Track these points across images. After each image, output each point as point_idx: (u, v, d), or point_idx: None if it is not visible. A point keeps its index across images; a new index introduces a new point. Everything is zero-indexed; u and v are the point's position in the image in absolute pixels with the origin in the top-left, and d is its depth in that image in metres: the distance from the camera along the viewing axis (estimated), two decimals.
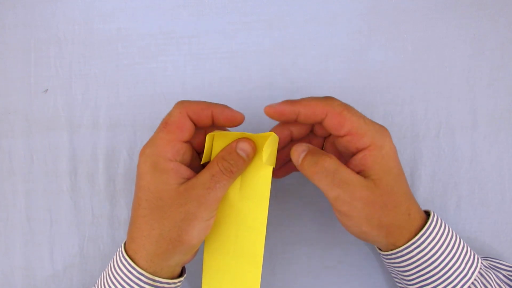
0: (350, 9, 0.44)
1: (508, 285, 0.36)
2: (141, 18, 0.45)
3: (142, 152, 0.34)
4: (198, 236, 0.34)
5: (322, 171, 0.33)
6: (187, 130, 0.34)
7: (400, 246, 0.34)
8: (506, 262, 0.38)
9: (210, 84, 0.45)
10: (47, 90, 0.45)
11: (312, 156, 0.34)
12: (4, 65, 0.46)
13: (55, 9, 0.45)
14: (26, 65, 0.45)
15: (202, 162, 0.36)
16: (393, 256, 0.35)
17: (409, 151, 0.43)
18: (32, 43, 0.45)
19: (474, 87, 0.43)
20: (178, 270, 0.36)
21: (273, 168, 0.36)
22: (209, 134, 0.35)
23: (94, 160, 0.45)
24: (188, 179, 0.34)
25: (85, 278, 0.44)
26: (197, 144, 0.37)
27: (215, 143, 0.36)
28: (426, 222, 0.35)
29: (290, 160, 0.37)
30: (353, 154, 0.35)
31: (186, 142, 0.35)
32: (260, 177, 0.35)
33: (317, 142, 0.39)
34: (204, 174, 0.34)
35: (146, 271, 0.34)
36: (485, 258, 0.39)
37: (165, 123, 0.34)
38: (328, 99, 0.35)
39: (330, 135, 0.38)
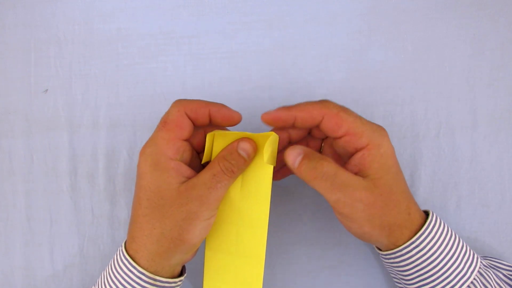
0: (350, 9, 0.44)
1: (508, 284, 0.36)
2: (141, 18, 0.45)
3: (142, 152, 0.34)
4: (200, 235, 0.34)
5: (321, 176, 0.33)
6: (186, 128, 0.34)
7: (400, 245, 0.34)
8: (506, 261, 0.38)
9: (210, 84, 0.45)
10: (47, 90, 0.45)
11: (309, 161, 0.34)
12: (4, 65, 0.46)
13: (55, 9, 0.45)
14: (26, 65, 0.45)
15: (203, 161, 0.36)
16: (392, 256, 0.35)
17: (409, 151, 0.43)
18: (32, 43, 0.45)
19: (474, 87, 0.43)
20: (178, 269, 0.36)
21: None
22: (209, 133, 0.35)
23: (94, 160, 0.45)
24: (189, 178, 0.34)
25: (85, 278, 0.44)
26: (197, 143, 0.37)
27: (216, 142, 0.36)
28: (425, 222, 0.35)
29: None
30: (352, 154, 0.35)
31: (186, 140, 0.35)
32: (261, 176, 0.35)
33: (315, 144, 0.39)
34: (206, 174, 0.34)
35: (147, 271, 0.34)
36: (484, 257, 0.39)
37: (164, 122, 0.34)
38: (323, 102, 0.35)
39: (327, 137, 0.38)
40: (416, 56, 0.44)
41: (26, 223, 0.45)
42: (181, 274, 0.37)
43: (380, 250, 0.37)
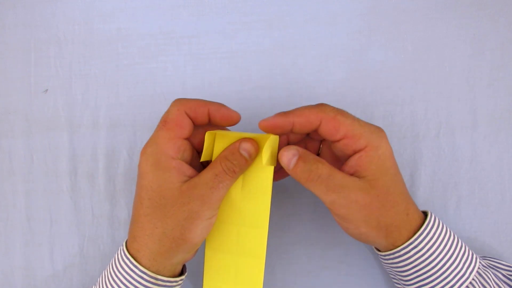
0: (350, 9, 0.44)
1: (507, 284, 0.36)
2: (141, 18, 0.45)
3: (143, 152, 0.34)
4: (201, 234, 0.34)
5: (316, 178, 0.33)
6: (186, 127, 0.34)
7: (399, 246, 0.34)
8: (505, 261, 0.38)
9: (210, 84, 0.45)
10: (47, 90, 0.45)
11: (304, 163, 0.34)
12: (4, 65, 0.46)
13: (55, 9, 0.45)
14: (26, 65, 0.45)
15: (202, 160, 0.36)
16: (391, 256, 0.35)
17: (409, 151, 0.43)
18: (32, 43, 0.45)
19: (474, 87, 0.43)
20: (179, 268, 0.37)
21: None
22: (209, 132, 0.35)
23: (94, 160, 0.45)
24: (190, 177, 0.34)
25: (85, 278, 0.44)
26: (198, 143, 0.37)
27: (217, 143, 0.36)
28: (423, 223, 0.35)
29: None
30: (350, 156, 0.35)
31: (186, 139, 0.35)
32: (261, 176, 0.35)
33: (314, 145, 0.39)
34: (207, 173, 0.34)
35: (149, 270, 0.34)
36: (484, 257, 0.39)
37: (164, 121, 0.34)
38: (320, 105, 0.35)
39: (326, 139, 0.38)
40: (416, 56, 0.44)
41: (26, 223, 0.45)
42: (181, 273, 0.37)
43: (379, 250, 0.37)
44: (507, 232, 0.43)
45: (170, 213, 0.33)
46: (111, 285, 0.35)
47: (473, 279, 0.34)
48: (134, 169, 0.44)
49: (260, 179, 0.35)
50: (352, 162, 0.34)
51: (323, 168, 0.33)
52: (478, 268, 0.35)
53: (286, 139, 0.37)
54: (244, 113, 0.44)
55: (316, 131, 0.35)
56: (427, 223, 0.35)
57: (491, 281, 0.35)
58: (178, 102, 0.35)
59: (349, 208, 0.33)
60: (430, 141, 0.43)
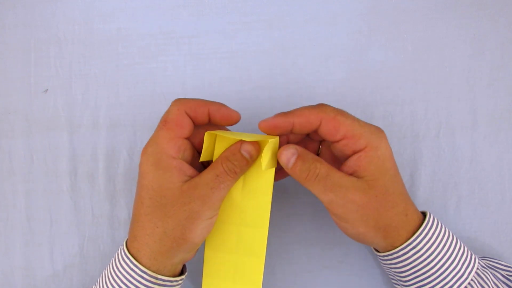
0: (350, 9, 0.44)
1: (507, 284, 0.36)
2: (141, 18, 0.45)
3: (144, 151, 0.34)
4: (202, 234, 0.34)
5: (314, 177, 0.33)
6: (187, 126, 0.34)
7: (397, 247, 0.34)
8: (505, 262, 0.38)
9: (210, 84, 0.45)
10: (47, 90, 0.45)
11: (303, 162, 0.34)
12: (4, 65, 0.46)
13: (55, 9, 0.45)
14: (26, 65, 0.45)
15: (201, 160, 0.36)
16: (389, 257, 0.35)
17: (409, 151, 0.43)
18: (32, 43, 0.45)
19: (474, 87, 0.43)
20: (179, 268, 0.37)
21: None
22: (209, 132, 0.35)
23: (94, 160, 0.45)
24: (191, 176, 0.34)
25: (85, 278, 0.44)
26: (198, 143, 0.37)
27: (217, 143, 0.36)
28: (422, 223, 0.35)
29: None
30: (349, 156, 0.35)
31: (186, 139, 0.35)
32: (262, 177, 0.35)
33: (313, 146, 0.39)
34: (208, 174, 0.34)
35: (149, 270, 0.34)
36: (483, 258, 0.39)
37: (164, 121, 0.34)
38: (320, 106, 0.35)
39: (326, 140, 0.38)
40: (416, 56, 0.44)
41: (26, 223, 0.45)
42: (181, 273, 0.37)
43: (378, 251, 0.37)
44: (507, 232, 0.43)
45: (170, 213, 0.33)
46: (111, 284, 0.35)
47: (471, 279, 0.34)
48: (134, 169, 0.44)
49: (261, 180, 0.35)
50: (351, 162, 0.34)
51: (322, 167, 0.34)
52: (477, 268, 0.35)
53: (286, 140, 0.37)
54: (244, 113, 0.44)
55: (316, 131, 0.35)
56: (425, 223, 0.35)
57: (489, 282, 0.35)
58: (178, 102, 0.35)
59: (346, 207, 0.33)
60: (430, 141, 0.43)
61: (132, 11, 0.45)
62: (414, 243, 0.34)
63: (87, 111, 0.45)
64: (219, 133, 0.35)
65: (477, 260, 0.36)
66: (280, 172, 0.39)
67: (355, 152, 0.34)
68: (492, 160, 0.43)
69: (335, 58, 0.44)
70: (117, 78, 0.45)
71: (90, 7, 0.45)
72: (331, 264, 0.43)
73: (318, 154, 0.39)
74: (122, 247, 0.36)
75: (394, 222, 0.34)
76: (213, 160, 0.36)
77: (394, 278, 0.38)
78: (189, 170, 0.35)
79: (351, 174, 0.34)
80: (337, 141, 0.35)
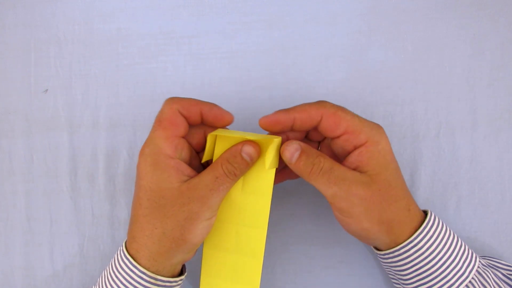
0: (350, 9, 0.44)
1: (507, 283, 0.36)
2: (141, 18, 0.45)
3: (142, 152, 0.34)
4: (201, 235, 0.34)
5: (319, 171, 0.33)
6: (181, 124, 0.34)
7: (401, 243, 0.34)
8: (505, 261, 0.38)
9: (210, 84, 0.45)
10: (47, 90, 0.45)
11: (307, 157, 0.34)
12: (4, 65, 0.46)
13: (55, 9, 0.45)
14: (26, 65, 0.45)
15: (203, 160, 0.36)
16: (390, 255, 0.35)
17: (409, 151, 0.43)
18: (32, 43, 0.45)
19: (474, 87, 0.43)
20: (178, 268, 0.37)
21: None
22: (211, 134, 0.35)
23: (94, 160, 0.45)
24: (189, 176, 0.34)
25: (85, 278, 0.44)
26: (196, 143, 0.37)
27: (218, 143, 0.36)
28: (424, 221, 0.35)
29: (285, 166, 0.37)
30: (350, 153, 0.35)
31: (183, 138, 0.35)
32: (263, 177, 0.35)
33: (312, 146, 0.39)
34: (208, 175, 0.34)
35: (148, 270, 0.34)
36: (483, 257, 0.39)
37: (159, 121, 0.34)
38: (320, 102, 0.35)
39: (325, 138, 0.38)
40: (416, 56, 0.44)
41: (26, 223, 0.45)
42: (181, 273, 0.37)
43: (378, 250, 0.37)
44: (507, 232, 0.43)
45: (169, 213, 0.33)
46: (110, 285, 0.35)
47: (472, 278, 0.34)
48: (134, 169, 0.44)
49: (262, 180, 0.35)
50: (352, 158, 0.34)
51: (325, 161, 0.34)
52: (478, 267, 0.35)
53: (286, 139, 0.37)
54: (244, 113, 0.44)
55: (315, 129, 0.35)
56: (427, 222, 0.35)
57: (490, 280, 0.35)
58: (171, 100, 0.35)
59: (349, 201, 0.33)
60: (430, 141, 0.43)
61: (132, 11, 0.45)
62: (416, 241, 0.34)
63: (87, 111, 0.45)
64: (220, 133, 0.35)
65: (478, 259, 0.36)
66: (278, 175, 0.39)
67: (356, 148, 0.34)
68: (492, 160, 0.43)
69: (335, 58, 0.44)
70: (117, 78, 0.45)
71: (90, 7, 0.45)
72: (331, 264, 0.43)
73: None
74: (121, 248, 0.36)
75: (398, 217, 0.34)
76: (213, 160, 0.36)
77: (394, 277, 0.38)
78: (187, 169, 0.34)
79: (353, 170, 0.34)
80: (338, 137, 0.35)
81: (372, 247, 0.39)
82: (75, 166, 0.45)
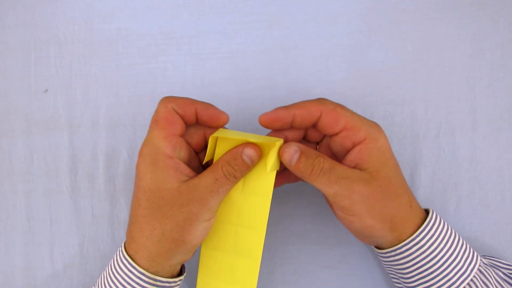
0: (350, 9, 0.44)
1: (508, 282, 0.36)
2: (141, 18, 0.45)
3: (141, 153, 0.34)
4: (200, 235, 0.34)
5: (319, 171, 0.33)
6: (178, 123, 0.34)
7: (404, 240, 0.34)
8: (505, 260, 0.38)
9: (210, 84, 0.45)
10: (47, 90, 0.45)
11: (307, 158, 0.34)
12: (4, 65, 0.46)
13: (55, 9, 0.45)
14: (26, 65, 0.45)
15: (204, 162, 0.36)
16: (392, 253, 0.35)
17: (409, 151, 0.43)
18: (32, 43, 0.45)
19: (474, 87, 0.43)
20: (178, 268, 0.37)
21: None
22: (212, 136, 0.35)
23: (94, 160, 0.45)
24: (188, 176, 0.34)
25: (85, 278, 0.44)
26: (196, 143, 0.37)
27: (219, 143, 0.35)
28: (425, 219, 0.35)
29: (284, 169, 0.37)
30: (348, 151, 0.35)
31: (181, 137, 0.35)
32: (263, 179, 0.35)
33: (310, 147, 0.39)
34: (208, 177, 0.34)
35: (147, 271, 0.34)
36: (483, 256, 0.39)
37: (155, 121, 0.34)
38: (320, 99, 0.35)
39: (322, 139, 0.38)
40: (416, 56, 0.44)
41: (26, 223, 0.45)
42: (180, 273, 0.37)
43: (379, 249, 0.37)
44: (507, 232, 0.43)
45: (168, 214, 0.33)
46: (109, 286, 0.35)
47: (474, 276, 0.34)
48: (134, 169, 0.44)
49: (262, 182, 0.35)
50: (352, 156, 0.34)
51: (325, 161, 0.34)
52: (480, 265, 0.35)
53: (285, 140, 0.37)
54: (244, 113, 0.44)
55: (314, 127, 0.36)
56: (429, 219, 0.35)
57: (492, 279, 0.35)
58: (166, 100, 0.35)
59: (352, 199, 0.33)
60: (430, 141, 0.43)
61: (132, 11, 0.45)
62: (418, 239, 0.34)
63: (87, 111, 0.45)
64: (222, 134, 0.35)
65: (479, 258, 0.36)
66: (277, 179, 0.39)
67: (355, 145, 0.34)
68: (492, 160, 0.43)
69: (335, 58, 0.44)
70: (117, 78, 0.45)
71: (90, 7, 0.45)
72: (331, 264, 0.43)
73: None
74: (120, 249, 0.36)
75: (400, 213, 0.34)
76: (214, 161, 0.36)
77: (395, 276, 0.38)
78: (186, 169, 0.34)
79: (353, 168, 0.34)
80: (337, 134, 0.35)
81: (373, 247, 0.39)
82: (75, 166, 0.45)
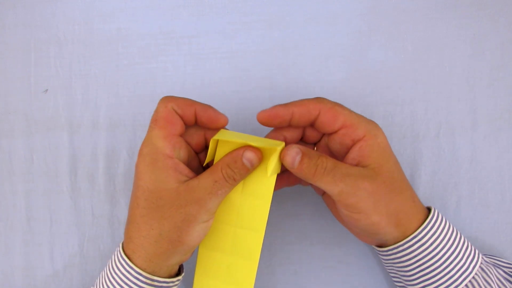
0: (350, 9, 0.44)
1: (509, 281, 0.36)
2: (141, 18, 0.45)
3: (140, 152, 0.34)
4: (198, 237, 0.34)
5: (323, 171, 0.33)
6: (177, 122, 0.34)
7: (409, 235, 0.34)
8: (506, 259, 0.38)
9: (210, 84, 0.45)
10: (47, 90, 0.45)
11: (309, 159, 0.34)
12: (4, 65, 0.46)
13: (55, 9, 0.45)
14: (26, 65, 0.45)
15: (205, 163, 0.36)
16: (394, 251, 0.35)
17: (409, 151, 0.43)
18: (32, 43, 0.45)
19: (474, 87, 0.43)
20: (176, 268, 0.37)
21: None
22: (213, 138, 0.35)
23: (94, 160, 0.45)
24: (187, 177, 0.34)
25: (85, 278, 0.44)
26: (195, 143, 0.37)
27: (220, 145, 0.35)
28: (428, 216, 0.35)
29: (284, 172, 0.37)
30: (349, 149, 0.35)
31: (180, 136, 0.35)
32: (264, 181, 0.35)
33: (309, 148, 0.39)
34: (207, 179, 0.34)
35: (145, 271, 0.34)
36: (484, 255, 0.39)
37: (155, 120, 0.34)
38: (318, 98, 0.35)
39: (320, 139, 0.38)
40: (416, 56, 0.44)
41: (26, 223, 0.45)
42: (178, 273, 0.37)
43: (381, 247, 0.37)
44: (507, 232, 0.43)
45: (166, 215, 0.33)
46: (107, 286, 0.35)
47: (476, 274, 0.34)
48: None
49: (262, 184, 0.35)
50: (353, 154, 0.34)
51: (328, 161, 0.34)
52: (481, 263, 0.35)
53: (284, 140, 0.37)
54: (244, 113, 0.44)
55: (312, 126, 0.36)
56: (431, 216, 0.35)
57: (493, 277, 0.35)
58: (165, 99, 0.35)
59: (357, 196, 0.33)
60: (430, 141, 0.43)
61: (132, 11, 0.45)
62: (421, 235, 0.34)
63: (87, 111, 0.45)
64: (223, 137, 0.34)
65: (480, 255, 0.36)
66: (276, 182, 0.39)
67: (354, 142, 0.34)
68: (492, 160, 0.43)
69: (335, 58, 0.44)
70: (117, 78, 0.45)
71: (90, 7, 0.45)
72: (331, 264, 0.43)
73: None
74: (118, 249, 0.36)
75: (404, 208, 0.34)
76: (214, 161, 0.35)
77: (396, 275, 0.38)
78: (185, 170, 0.34)
79: (355, 165, 0.34)
80: (336, 132, 0.35)
81: (373, 246, 0.38)
82: (75, 166, 0.45)
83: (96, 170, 0.45)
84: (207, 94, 0.44)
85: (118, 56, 0.45)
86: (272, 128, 0.38)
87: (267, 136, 0.37)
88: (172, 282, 0.36)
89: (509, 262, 0.38)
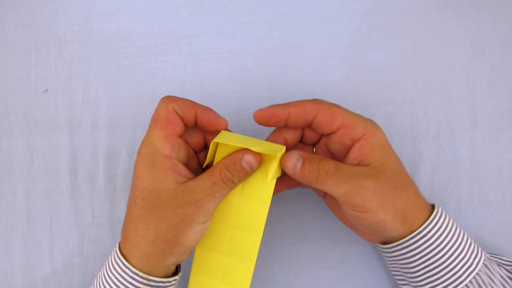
0: (350, 9, 0.44)
1: (510, 278, 0.36)
2: (141, 18, 0.45)
3: (139, 152, 0.34)
4: (195, 238, 0.34)
5: (326, 174, 0.33)
6: (177, 123, 0.34)
7: (415, 230, 0.34)
8: (507, 257, 0.38)
9: (210, 84, 0.45)
10: (47, 90, 0.45)
11: (311, 164, 0.33)
12: (4, 65, 0.46)
13: (55, 9, 0.45)
14: (26, 65, 0.45)
15: (204, 165, 0.36)
16: (399, 247, 0.35)
17: (409, 151, 0.43)
18: (32, 43, 0.45)
19: (474, 87, 0.43)
20: (172, 268, 0.36)
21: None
22: (213, 141, 0.34)
23: (94, 160, 0.45)
24: (186, 177, 0.34)
25: (85, 278, 0.44)
26: (195, 143, 0.37)
27: (220, 147, 0.35)
28: (432, 213, 0.35)
29: (283, 175, 0.37)
30: (348, 149, 0.35)
31: (180, 137, 0.35)
32: (263, 184, 0.35)
33: (307, 150, 0.39)
34: (205, 180, 0.34)
35: (141, 271, 0.34)
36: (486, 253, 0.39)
37: (155, 120, 0.34)
38: (315, 99, 0.35)
39: (319, 140, 0.38)
40: (416, 56, 0.44)
41: (26, 223, 0.45)
42: (175, 272, 0.37)
43: (385, 244, 0.37)
44: (507, 232, 0.43)
45: (164, 215, 0.33)
46: (104, 285, 0.35)
47: (479, 270, 0.34)
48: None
49: (261, 189, 0.35)
50: (354, 154, 0.34)
51: (329, 163, 0.34)
52: (485, 260, 0.35)
53: (284, 143, 0.37)
54: (244, 113, 0.44)
55: (310, 127, 0.35)
56: (435, 212, 0.35)
57: (496, 274, 0.35)
58: (166, 99, 0.35)
59: (362, 195, 0.33)
60: (430, 141, 0.43)
61: (132, 11, 0.45)
62: (425, 231, 0.34)
63: (87, 111, 0.45)
64: (223, 140, 0.34)
65: (483, 252, 0.36)
66: (276, 185, 0.38)
67: (354, 141, 0.34)
68: (492, 160, 0.43)
69: (335, 58, 0.44)
70: (117, 78, 0.45)
71: (90, 7, 0.45)
72: (331, 264, 0.43)
73: None
74: (115, 248, 0.36)
75: (409, 203, 0.34)
76: (214, 163, 0.35)
77: (399, 272, 0.38)
78: (184, 171, 0.34)
79: (357, 165, 0.34)
80: (334, 132, 0.35)
81: (377, 244, 0.38)
82: (75, 166, 0.45)
83: (96, 170, 0.45)
84: (207, 94, 0.44)
85: (118, 56, 0.45)
86: (272, 129, 0.38)
87: (268, 139, 0.37)
88: (169, 282, 0.36)
89: (510, 260, 0.38)
